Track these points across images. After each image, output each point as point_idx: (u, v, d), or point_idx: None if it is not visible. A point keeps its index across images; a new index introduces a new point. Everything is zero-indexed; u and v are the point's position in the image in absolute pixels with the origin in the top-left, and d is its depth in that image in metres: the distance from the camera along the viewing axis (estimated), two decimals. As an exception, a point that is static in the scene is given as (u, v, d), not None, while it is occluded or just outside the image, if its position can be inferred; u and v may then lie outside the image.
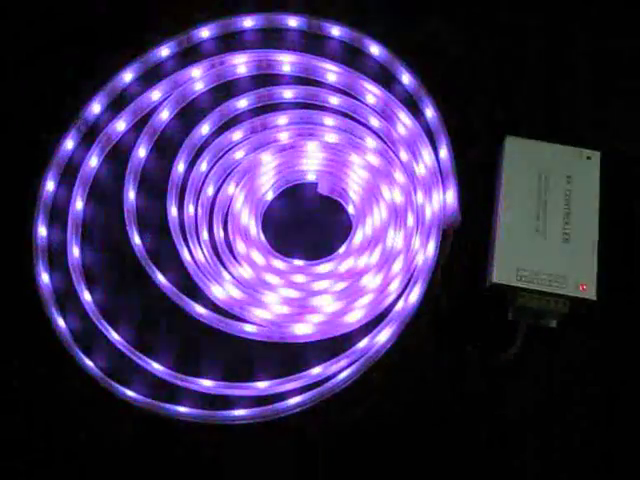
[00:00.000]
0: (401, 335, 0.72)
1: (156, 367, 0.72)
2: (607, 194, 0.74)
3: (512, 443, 0.72)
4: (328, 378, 0.72)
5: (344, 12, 0.84)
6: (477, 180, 0.77)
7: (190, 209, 0.78)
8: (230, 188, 0.80)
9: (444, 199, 0.76)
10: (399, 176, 0.79)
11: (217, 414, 0.71)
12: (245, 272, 0.77)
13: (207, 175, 0.79)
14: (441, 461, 0.71)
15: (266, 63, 0.83)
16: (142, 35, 0.83)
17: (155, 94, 0.82)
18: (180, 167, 0.79)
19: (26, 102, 0.83)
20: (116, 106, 0.82)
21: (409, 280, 0.75)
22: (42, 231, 0.77)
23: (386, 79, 0.82)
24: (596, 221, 0.73)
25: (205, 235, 0.78)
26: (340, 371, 0.72)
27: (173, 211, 0.77)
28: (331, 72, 0.82)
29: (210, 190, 0.79)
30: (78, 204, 0.78)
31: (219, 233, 0.78)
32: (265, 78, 0.83)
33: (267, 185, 0.80)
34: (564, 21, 0.85)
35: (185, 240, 0.76)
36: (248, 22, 0.84)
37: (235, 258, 0.78)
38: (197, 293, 0.75)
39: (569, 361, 0.74)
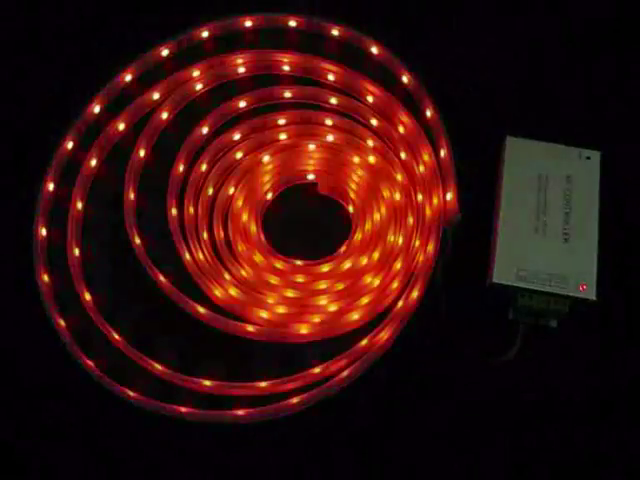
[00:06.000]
0: (401, 335, 0.72)
1: (156, 367, 0.72)
2: (607, 194, 0.74)
3: (512, 443, 0.72)
4: (328, 378, 0.72)
5: (344, 12, 0.84)
6: (477, 180, 0.77)
7: (190, 209, 0.78)
8: (230, 188, 0.80)
9: (444, 199, 0.76)
10: (399, 176, 0.79)
11: (217, 414, 0.71)
12: (245, 272, 0.77)
13: (207, 175, 0.80)
14: (441, 461, 0.71)
15: (266, 63, 0.83)
16: (142, 35, 0.84)
17: (155, 94, 0.82)
18: (180, 167, 0.79)
19: (26, 102, 0.83)
20: (116, 106, 0.82)
21: (409, 280, 0.75)
22: (42, 231, 0.77)
23: (386, 79, 0.82)
24: (596, 221, 0.73)
25: (205, 235, 0.78)
26: (340, 371, 0.72)
27: (173, 211, 0.77)
28: (331, 72, 0.82)
29: (210, 190, 0.79)
30: (78, 204, 0.78)
31: (219, 233, 0.78)
32: (265, 78, 0.83)
33: (267, 185, 0.80)
34: (564, 21, 0.85)
35: (185, 240, 0.76)
36: (248, 22, 0.84)
37: (235, 258, 0.78)
38: (197, 293, 0.75)
39: (569, 361, 0.74)
